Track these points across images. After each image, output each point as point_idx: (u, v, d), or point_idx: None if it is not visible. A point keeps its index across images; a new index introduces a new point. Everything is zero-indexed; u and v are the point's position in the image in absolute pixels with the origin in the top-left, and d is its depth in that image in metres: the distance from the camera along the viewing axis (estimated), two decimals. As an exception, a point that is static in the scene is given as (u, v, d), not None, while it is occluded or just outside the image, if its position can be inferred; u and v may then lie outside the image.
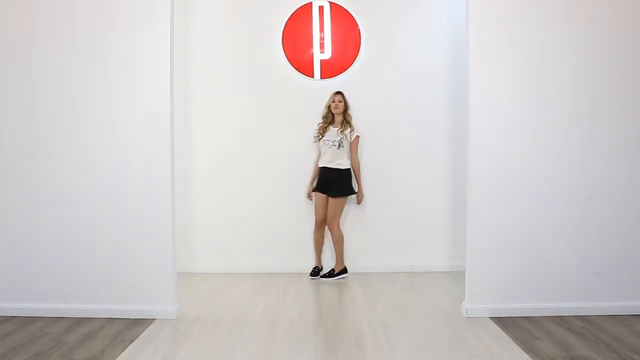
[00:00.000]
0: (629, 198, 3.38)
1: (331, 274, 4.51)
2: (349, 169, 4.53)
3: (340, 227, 4.54)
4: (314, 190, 4.57)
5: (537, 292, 3.38)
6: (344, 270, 4.53)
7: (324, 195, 4.50)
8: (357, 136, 4.52)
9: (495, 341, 2.93)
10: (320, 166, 4.52)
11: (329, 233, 4.58)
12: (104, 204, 3.37)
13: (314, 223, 4.57)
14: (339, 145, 4.45)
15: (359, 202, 4.65)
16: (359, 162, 4.58)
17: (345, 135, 4.47)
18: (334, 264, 4.56)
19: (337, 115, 4.52)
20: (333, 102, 4.50)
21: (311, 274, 4.56)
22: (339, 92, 4.53)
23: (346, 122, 4.51)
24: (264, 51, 4.77)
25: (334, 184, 4.47)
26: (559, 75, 3.36)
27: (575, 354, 2.72)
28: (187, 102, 4.70)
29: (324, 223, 4.56)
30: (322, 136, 4.51)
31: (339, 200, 4.48)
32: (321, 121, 4.55)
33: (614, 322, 3.19)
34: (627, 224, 3.38)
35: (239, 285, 4.31)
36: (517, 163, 3.37)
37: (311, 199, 4.62)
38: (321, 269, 4.60)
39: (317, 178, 4.58)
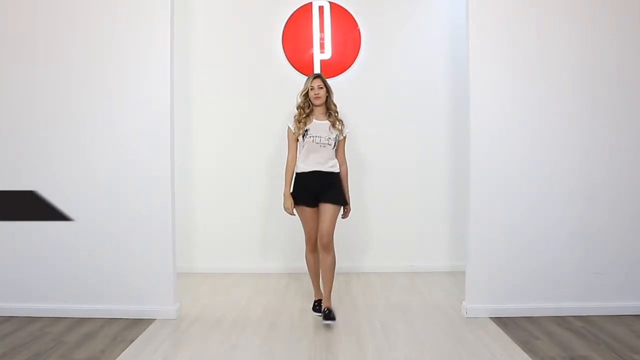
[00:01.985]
0: (629, 198, 3.38)
1: (332, 314, 3.28)
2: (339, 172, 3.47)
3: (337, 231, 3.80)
4: (300, 204, 3.38)
5: (537, 292, 3.38)
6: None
7: (314, 208, 3.38)
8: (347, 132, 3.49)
9: (495, 341, 2.94)
10: (309, 170, 3.36)
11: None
12: (104, 204, 3.37)
13: (305, 244, 3.50)
14: (334, 144, 3.40)
15: (346, 215, 3.51)
16: (347, 165, 3.55)
17: (339, 131, 3.41)
18: (323, 298, 3.42)
19: (319, 106, 3.43)
20: (312, 89, 3.40)
21: (318, 311, 3.47)
22: (317, 76, 3.48)
23: (334, 113, 3.45)
24: (264, 51, 4.76)
25: (330, 190, 3.36)
26: (559, 75, 3.36)
27: (575, 354, 2.72)
28: (187, 102, 4.70)
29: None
30: (306, 132, 3.37)
31: (337, 208, 3.38)
32: (296, 112, 3.43)
33: (614, 322, 3.20)
34: (627, 224, 3.38)
35: (239, 285, 4.31)
36: (517, 163, 3.37)
37: (294, 214, 3.43)
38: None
39: (298, 186, 3.41)
